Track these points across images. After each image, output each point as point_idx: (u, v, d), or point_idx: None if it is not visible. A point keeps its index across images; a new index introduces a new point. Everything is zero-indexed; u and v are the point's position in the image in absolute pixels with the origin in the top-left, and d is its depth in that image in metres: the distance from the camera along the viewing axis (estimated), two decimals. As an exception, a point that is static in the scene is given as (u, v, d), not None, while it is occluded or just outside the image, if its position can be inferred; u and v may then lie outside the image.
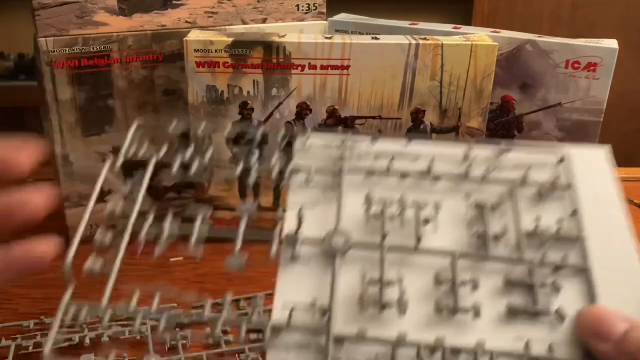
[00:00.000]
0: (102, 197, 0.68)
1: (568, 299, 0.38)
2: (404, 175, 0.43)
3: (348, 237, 0.40)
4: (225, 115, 0.67)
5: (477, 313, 0.37)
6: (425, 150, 0.45)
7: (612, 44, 0.68)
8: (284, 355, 0.35)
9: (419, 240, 0.40)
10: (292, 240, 0.39)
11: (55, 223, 0.42)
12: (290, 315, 0.37)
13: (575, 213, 0.42)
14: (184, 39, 0.58)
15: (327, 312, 0.37)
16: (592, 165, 0.45)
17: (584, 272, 0.39)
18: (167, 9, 0.66)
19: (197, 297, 0.37)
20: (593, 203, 0.42)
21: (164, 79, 0.68)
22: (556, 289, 0.38)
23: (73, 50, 0.63)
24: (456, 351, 0.35)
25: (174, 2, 0.65)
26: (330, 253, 0.39)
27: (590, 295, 0.38)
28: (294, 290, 0.38)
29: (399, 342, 0.36)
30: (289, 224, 0.41)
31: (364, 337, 0.36)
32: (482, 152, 0.45)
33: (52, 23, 0.61)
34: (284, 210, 0.41)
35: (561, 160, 0.45)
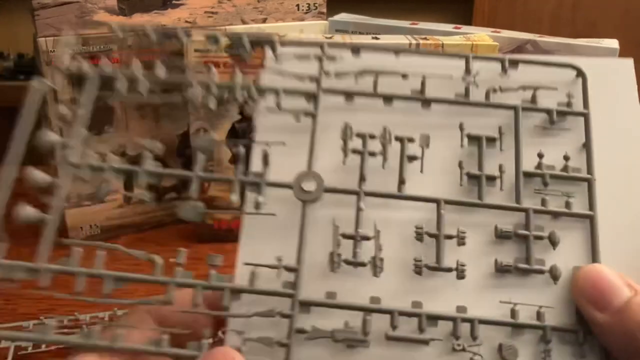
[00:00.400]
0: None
1: (566, 255, 0.34)
2: (388, 99, 0.37)
3: (320, 181, 0.34)
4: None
5: (460, 274, 0.33)
6: (418, 64, 0.38)
7: (613, 43, 0.68)
8: (242, 322, 0.32)
9: (401, 183, 0.35)
10: (256, 184, 0.34)
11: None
12: (253, 276, 0.33)
13: (585, 147, 0.36)
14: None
15: (292, 272, 0.33)
16: (613, 84, 0.38)
17: (587, 223, 0.34)
18: (166, 8, 0.67)
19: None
20: (609, 134, 0.36)
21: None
22: (553, 241, 0.34)
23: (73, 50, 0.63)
24: (433, 318, 0.32)
25: (174, 1, 0.67)
26: (300, 200, 0.34)
27: (593, 250, 0.34)
28: (258, 245, 0.34)
29: (371, 308, 0.32)
30: (253, 164, 0.35)
31: (332, 303, 0.33)
32: (485, 67, 0.38)
33: (51, 23, 0.62)
34: (245, 146, 0.35)
35: (577, 76, 0.37)
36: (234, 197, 0.34)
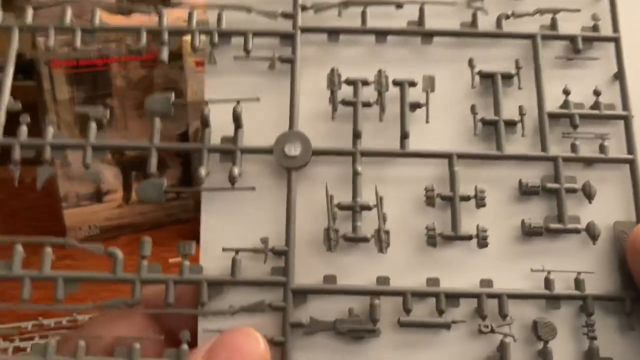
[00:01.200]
0: (100, 198, 0.69)
1: (604, 209, 0.28)
2: (381, 35, 0.30)
3: (306, 143, 0.28)
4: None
5: (482, 241, 0.27)
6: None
7: None
8: (220, 321, 0.27)
9: (404, 137, 0.29)
10: (229, 152, 0.28)
11: (52, 223, 0.43)
12: (234, 264, 0.27)
13: (618, 78, 0.30)
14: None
15: (281, 255, 0.27)
16: None
17: (627, 168, 0.29)
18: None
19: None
20: (646, 60, 0.30)
21: (163, 78, 0.69)
22: (588, 194, 0.28)
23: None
24: (453, 296, 0.27)
25: (173, 1, 0.65)
26: (284, 167, 0.28)
27: (636, 201, 0.28)
28: (236, 226, 0.28)
29: (379, 291, 0.27)
30: (221, 123, 0.29)
31: (332, 288, 0.27)
32: (493, -12, 0.31)
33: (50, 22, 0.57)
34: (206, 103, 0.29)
35: None
36: (203, 171, 0.28)
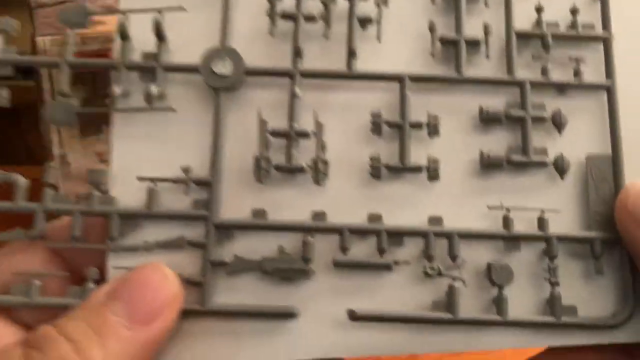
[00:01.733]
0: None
1: (575, 140, 0.25)
2: None
3: (238, 60, 0.25)
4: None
5: (433, 174, 0.24)
6: None
7: None
8: (133, 258, 0.24)
9: (351, 56, 0.25)
10: (149, 69, 0.25)
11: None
12: (150, 195, 0.24)
13: (601, -5, 0.26)
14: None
15: (205, 186, 0.24)
16: None
17: (604, 96, 0.25)
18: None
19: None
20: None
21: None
22: (558, 123, 0.25)
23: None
24: (397, 234, 0.24)
25: None
26: (211, 87, 0.25)
27: (612, 133, 0.25)
28: (153, 152, 0.25)
29: (313, 227, 0.24)
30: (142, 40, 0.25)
31: (260, 224, 0.24)
32: None
33: (50, 22, 0.60)
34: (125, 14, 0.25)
35: None
36: (117, 90, 0.24)
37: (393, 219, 0.24)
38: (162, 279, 0.22)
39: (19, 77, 0.26)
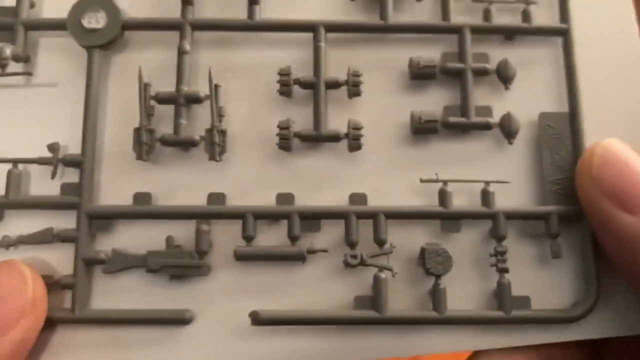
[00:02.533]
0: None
1: (525, 96, 0.20)
2: None
3: (114, 11, 0.20)
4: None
5: (354, 142, 0.20)
6: None
7: None
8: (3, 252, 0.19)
9: (253, 2, 0.20)
10: (5, 23, 0.20)
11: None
12: (10, 179, 0.19)
13: None
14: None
15: (75, 167, 0.20)
16: None
17: (559, 42, 0.21)
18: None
19: None
20: None
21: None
22: (505, 76, 0.20)
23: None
24: (312, 217, 0.19)
25: None
26: (82, 46, 0.20)
27: (569, 85, 0.20)
28: (14, 128, 0.20)
29: (209, 212, 0.19)
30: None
31: (143, 211, 0.19)
32: None
33: None
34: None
35: None
36: (-36, 50, 0.20)
37: (307, 199, 0.19)
38: (14, 281, 0.18)
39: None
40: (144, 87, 0.20)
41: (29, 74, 0.20)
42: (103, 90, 0.20)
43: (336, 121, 0.20)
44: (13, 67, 0.20)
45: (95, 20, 0.20)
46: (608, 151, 0.18)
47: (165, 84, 0.20)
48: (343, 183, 0.20)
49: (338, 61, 0.20)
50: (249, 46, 0.21)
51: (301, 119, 0.20)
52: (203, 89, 0.20)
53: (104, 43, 0.20)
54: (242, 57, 0.21)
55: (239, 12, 0.21)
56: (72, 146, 0.20)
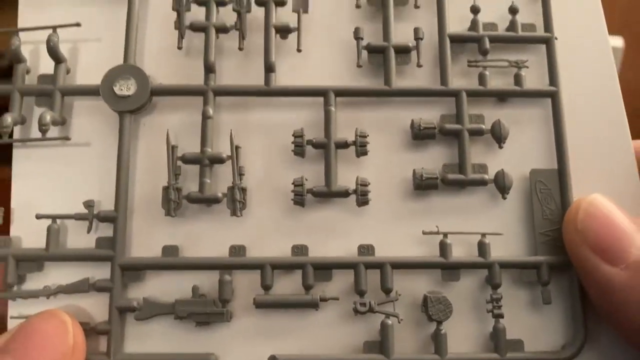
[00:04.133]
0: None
1: (518, 154, 0.22)
2: None
3: (143, 80, 0.22)
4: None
5: (362, 198, 0.21)
6: None
7: (617, 42, 0.63)
8: (36, 305, 0.21)
9: (269, 70, 0.22)
10: (44, 90, 0.22)
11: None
12: (50, 234, 0.21)
13: (542, -8, 0.23)
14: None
15: (110, 222, 0.21)
16: None
17: (548, 103, 0.22)
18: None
19: None
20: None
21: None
22: (498, 136, 0.22)
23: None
24: (324, 267, 0.21)
25: None
26: (114, 111, 0.22)
27: (558, 144, 0.22)
28: (55, 186, 0.22)
29: (230, 263, 0.21)
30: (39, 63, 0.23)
31: (172, 262, 0.21)
32: None
33: None
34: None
35: None
36: (8, 118, 0.21)
37: (320, 250, 0.21)
38: (57, 329, 0.19)
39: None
40: (171, 149, 0.21)
41: (67, 138, 0.21)
42: (133, 149, 0.22)
43: (345, 177, 0.21)
44: (51, 129, 0.22)
45: (126, 87, 0.22)
46: (592, 206, 0.20)
47: (190, 143, 0.22)
48: (352, 234, 0.21)
49: (346, 121, 0.22)
50: (265, 108, 0.22)
51: (313, 175, 0.22)
52: (224, 148, 0.22)
53: (134, 109, 0.22)
54: (260, 118, 0.22)
55: (257, 77, 0.22)
56: (105, 201, 0.21)
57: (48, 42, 0.22)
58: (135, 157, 0.22)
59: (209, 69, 0.22)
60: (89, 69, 0.23)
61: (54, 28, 0.22)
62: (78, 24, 0.22)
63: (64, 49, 0.22)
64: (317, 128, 0.22)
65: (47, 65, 0.22)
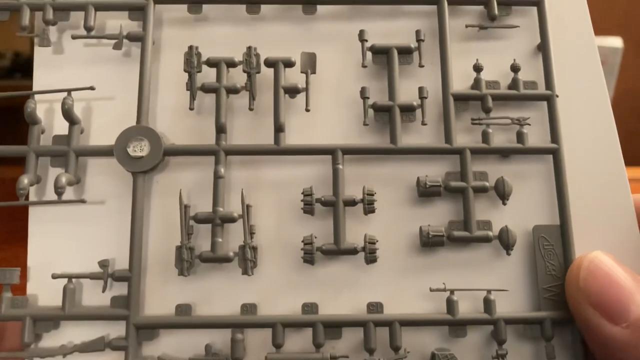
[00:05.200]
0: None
1: (521, 211, 0.22)
2: (253, 2, 0.24)
3: (155, 141, 0.22)
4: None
5: (370, 256, 0.22)
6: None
7: (616, 42, 0.65)
8: (55, 366, 0.21)
9: (278, 130, 0.23)
10: (59, 151, 0.22)
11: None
12: (66, 294, 0.22)
13: (541, 49, 0.24)
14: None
15: (124, 281, 0.22)
16: None
17: (550, 160, 0.23)
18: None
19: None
20: (564, 30, 0.24)
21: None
22: (502, 193, 0.22)
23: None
24: (335, 325, 0.21)
25: None
26: (128, 171, 0.22)
27: (560, 200, 0.22)
28: (70, 246, 0.22)
29: (242, 322, 0.21)
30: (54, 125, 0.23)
31: (184, 322, 0.21)
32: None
33: None
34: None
35: None
36: (25, 180, 0.22)
37: (330, 306, 0.21)
38: None
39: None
40: (184, 209, 0.22)
41: (82, 201, 0.22)
42: (147, 206, 0.22)
43: (354, 233, 0.22)
44: (66, 189, 0.22)
45: (140, 149, 0.22)
46: (593, 264, 0.20)
47: (202, 200, 0.22)
48: (361, 290, 0.22)
49: (354, 177, 0.22)
50: (276, 165, 0.23)
51: (323, 232, 0.22)
52: (236, 204, 0.22)
53: (147, 169, 0.22)
54: (270, 175, 0.23)
55: (267, 135, 0.23)
56: (120, 258, 0.22)
57: (63, 105, 0.22)
58: (149, 214, 0.22)
59: (220, 130, 0.22)
60: (102, 128, 0.23)
61: (69, 91, 0.22)
62: (92, 88, 0.22)
63: (77, 108, 0.23)
64: (326, 184, 0.22)
65: (61, 126, 0.23)
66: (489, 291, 0.21)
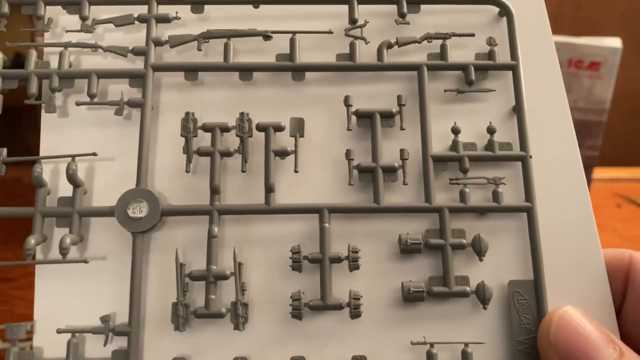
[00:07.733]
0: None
1: (497, 266, 0.23)
2: (246, 72, 0.25)
3: (153, 202, 0.24)
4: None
5: (355, 311, 0.23)
6: (285, 15, 0.26)
7: (615, 42, 0.63)
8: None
9: (269, 191, 0.24)
10: (63, 212, 0.24)
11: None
12: (69, 348, 0.23)
13: (516, 111, 0.25)
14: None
15: (124, 336, 0.23)
16: (528, 24, 0.27)
17: (524, 217, 0.24)
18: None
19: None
20: (539, 92, 0.26)
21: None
22: (478, 250, 0.23)
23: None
24: (322, 377, 0.22)
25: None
26: (128, 231, 0.23)
27: (534, 256, 0.23)
28: (74, 302, 0.23)
29: (235, 376, 0.22)
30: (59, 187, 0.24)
31: (179, 375, 0.22)
32: (376, 12, 0.26)
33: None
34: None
35: (500, 14, 0.26)
36: (32, 240, 0.23)
37: (316, 358, 0.22)
38: None
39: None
40: (180, 267, 0.23)
41: (85, 261, 0.23)
42: (145, 262, 0.23)
43: (340, 288, 0.23)
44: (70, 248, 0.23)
45: (139, 210, 0.23)
46: (563, 319, 0.21)
47: (197, 257, 0.23)
48: (346, 343, 0.23)
49: (340, 233, 0.23)
50: (266, 222, 0.24)
51: (310, 286, 0.23)
52: (228, 260, 0.23)
53: (146, 229, 0.23)
54: (261, 231, 0.24)
55: (258, 194, 0.24)
56: (120, 312, 0.23)
57: (67, 170, 0.23)
58: (147, 271, 0.23)
59: (214, 191, 0.23)
60: (104, 188, 0.24)
61: (73, 157, 0.23)
62: (94, 154, 0.24)
63: (81, 169, 0.24)
64: (313, 240, 0.23)
65: (66, 186, 0.24)
66: (466, 344, 0.22)
